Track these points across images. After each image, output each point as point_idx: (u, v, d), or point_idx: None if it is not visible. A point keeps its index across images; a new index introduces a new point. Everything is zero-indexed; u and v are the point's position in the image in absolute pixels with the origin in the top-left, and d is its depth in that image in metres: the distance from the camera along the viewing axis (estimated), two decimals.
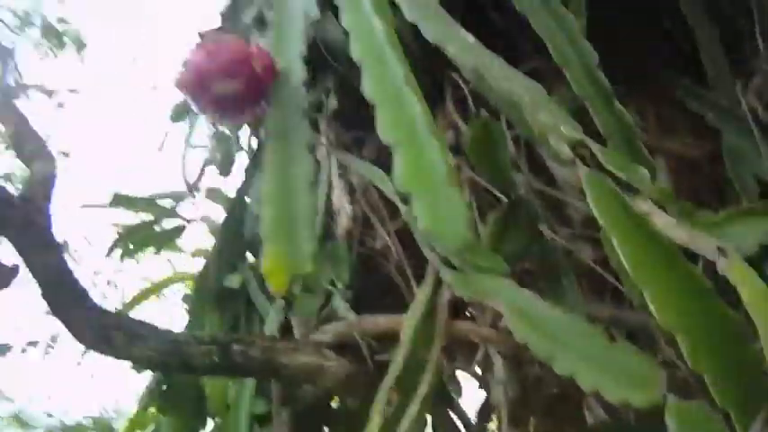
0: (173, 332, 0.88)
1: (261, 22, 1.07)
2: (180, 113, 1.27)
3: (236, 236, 1.14)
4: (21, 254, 0.76)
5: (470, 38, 0.64)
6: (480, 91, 0.66)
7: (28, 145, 0.90)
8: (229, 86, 0.67)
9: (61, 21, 5.88)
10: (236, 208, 1.15)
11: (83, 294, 0.81)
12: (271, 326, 1.04)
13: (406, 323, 0.78)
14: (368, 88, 0.57)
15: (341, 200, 0.86)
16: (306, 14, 0.77)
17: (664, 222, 0.56)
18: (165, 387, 1.08)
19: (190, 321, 1.22)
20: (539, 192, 0.84)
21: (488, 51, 0.63)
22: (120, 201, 1.40)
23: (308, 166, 0.65)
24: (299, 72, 0.71)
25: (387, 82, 0.53)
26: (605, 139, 0.69)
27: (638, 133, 0.68)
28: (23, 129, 0.91)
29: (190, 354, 0.83)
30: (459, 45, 0.61)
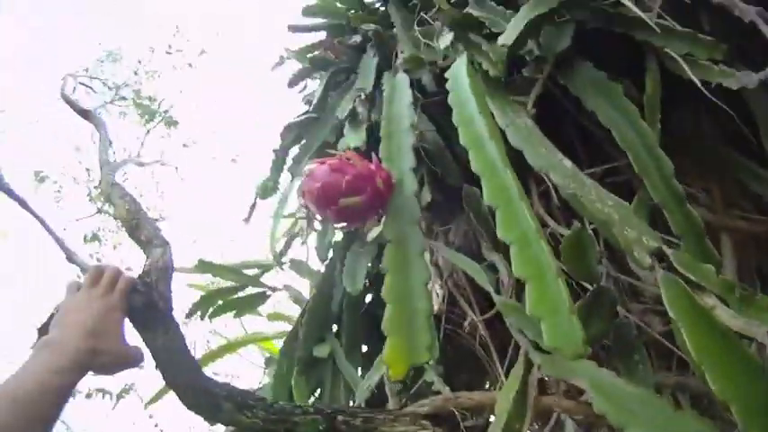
0: (279, 402, 0.98)
1: (354, 117, 1.22)
2: (267, 191, 1.41)
3: (325, 309, 1.26)
4: (142, 334, 0.84)
5: (568, 163, 0.76)
6: (574, 207, 0.77)
7: (143, 230, 1.00)
8: (354, 201, 0.78)
9: (151, 98, 6.41)
10: (326, 284, 1.26)
11: (197, 369, 0.91)
12: (362, 395, 1.14)
13: (501, 398, 0.87)
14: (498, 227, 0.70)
15: (432, 284, 0.97)
16: (412, 127, 0.90)
17: (724, 314, 0.66)
18: None
19: (274, 383, 1.33)
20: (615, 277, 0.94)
21: (584, 177, 0.75)
22: (205, 267, 1.53)
23: (424, 270, 0.76)
24: (411, 183, 0.83)
25: (515, 222, 0.66)
26: (679, 237, 0.79)
27: (704, 231, 0.78)
28: (137, 213, 1.02)
29: (295, 422, 0.93)
30: (562, 173, 0.74)
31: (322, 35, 1.56)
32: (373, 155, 0.86)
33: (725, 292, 0.69)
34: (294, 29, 1.51)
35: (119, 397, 4.97)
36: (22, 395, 0.67)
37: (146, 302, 0.85)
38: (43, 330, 0.81)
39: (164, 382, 0.88)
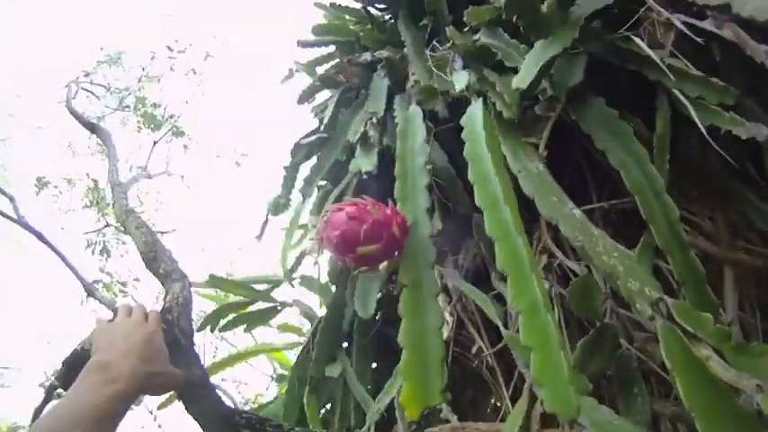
0: (295, 429, 1.03)
1: (365, 141, 1.24)
2: (278, 208, 1.44)
3: (336, 329, 1.29)
4: None
5: (578, 213, 0.79)
6: (582, 258, 0.81)
7: (161, 262, 1.04)
8: (371, 250, 0.81)
9: (155, 105, 6.37)
10: (337, 303, 1.30)
11: (218, 400, 0.96)
12: (372, 417, 1.19)
13: (506, 430, 0.92)
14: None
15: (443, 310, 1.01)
16: (426, 165, 0.93)
17: (717, 365, 0.69)
18: None
19: (287, 401, 1.38)
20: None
21: (592, 227, 0.78)
22: (216, 282, 1.56)
23: (438, 315, 0.80)
24: (426, 225, 0.86)
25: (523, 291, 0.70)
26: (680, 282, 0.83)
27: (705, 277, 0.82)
28: (154, 245, 1.06)
29: None
30: (571, 224, 0.77)
31: (331, 48, 1.58)
32: (390, 200, 0.89)
33: (720, 342, 0.73)
34: (303, 44, 1.52)
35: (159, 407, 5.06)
36: (82, 422, 0.68)
37: (169, 340, 0.90)
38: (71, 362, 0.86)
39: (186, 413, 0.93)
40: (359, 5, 1.52)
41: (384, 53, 1.24)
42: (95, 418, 0.70)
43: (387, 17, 1.49)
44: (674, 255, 0.84)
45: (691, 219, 1.04)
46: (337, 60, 1.36)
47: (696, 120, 0.88)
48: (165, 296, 1.03)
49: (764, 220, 1.05)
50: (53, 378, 0.95)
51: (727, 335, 0.74)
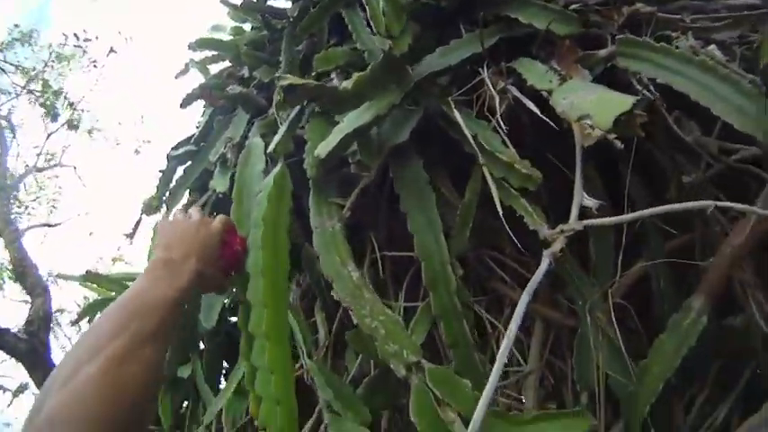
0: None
1: (224, 162, 1.32)
2: (151, 209, 1.51)
3: (191, 331, 1.39)
4: (29, 372, 1.01)
5: (356, 275, 0.92)
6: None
7: (28, 277, 1.14)
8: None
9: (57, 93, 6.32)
10: (192, 306, 1.39)
11: None
12: (209, 418, 1.31)
13: None
14: None
15: None
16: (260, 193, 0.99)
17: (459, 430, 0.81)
18: None
19: None
20: None
21: (365, 291, 0.90)
22: (91, 278, 1.64)
23: None
24: None
25: None
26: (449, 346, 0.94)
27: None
28: (23, 261, 1.15)
29: None
30: (343, 285, 0.91)
31: None
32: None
33: (470, 408, 0.84)
34: (193, 47, 1.56)
35: (14, 394, 5.20)
36: (143, 313, 0.70)
37: (29, 349, 1.00)
38: None
39: None
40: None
41: (237, 89, 1.30)
42: (156, 310, 0.71)
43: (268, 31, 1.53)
44: (447, 321, 0.95)
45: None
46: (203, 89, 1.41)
47: (496, 200, 0.94)
48: (30, 309, 1.13)
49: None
50: None
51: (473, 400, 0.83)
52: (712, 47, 1.01)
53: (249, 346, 0.85)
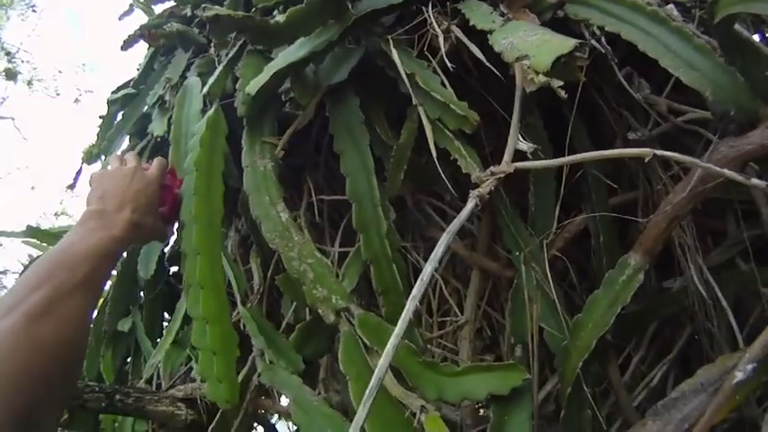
0: (88, 383, 1.14)
1: (162, 105, 1.28)
2: (92, 157, 1.48)
3: (130, 284, 1.37)
4: None
5: (285, 216, 0.91)
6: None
7: None
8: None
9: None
10: (130, 258, 1.37)
11: None
12: (149, 371, 1.30)
13: None
14: None
15: None
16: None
17: (389, 380, 0.81)
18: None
19: (88, 355, 1.46)
20: None
21: (294, 232, 0.89)
22: (33, 233, 1.60)
23: None
24: None
25: None
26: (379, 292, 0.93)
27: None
28: None
29: (86, 399, 1.09)
30: (272, 226, 0.90)
31: None
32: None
33: (404, 358, 0.82)
34: None
35: None
36: (74, 264, 0.68)
37: None
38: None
39: None
40: None
41: (175, 26, 1.25)
42: (86, 259, 0.69)
43: None
44: (378, 266, 0.93)
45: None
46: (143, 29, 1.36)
47: (430, 141, 0.92)
48: None
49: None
50: None
51: (414, 352, 0.83)
52: (670, 6, 1.00)
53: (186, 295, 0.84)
